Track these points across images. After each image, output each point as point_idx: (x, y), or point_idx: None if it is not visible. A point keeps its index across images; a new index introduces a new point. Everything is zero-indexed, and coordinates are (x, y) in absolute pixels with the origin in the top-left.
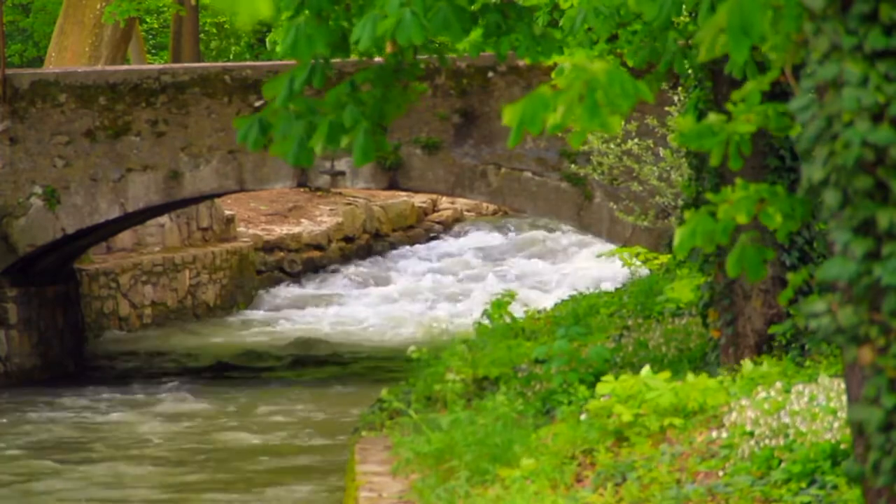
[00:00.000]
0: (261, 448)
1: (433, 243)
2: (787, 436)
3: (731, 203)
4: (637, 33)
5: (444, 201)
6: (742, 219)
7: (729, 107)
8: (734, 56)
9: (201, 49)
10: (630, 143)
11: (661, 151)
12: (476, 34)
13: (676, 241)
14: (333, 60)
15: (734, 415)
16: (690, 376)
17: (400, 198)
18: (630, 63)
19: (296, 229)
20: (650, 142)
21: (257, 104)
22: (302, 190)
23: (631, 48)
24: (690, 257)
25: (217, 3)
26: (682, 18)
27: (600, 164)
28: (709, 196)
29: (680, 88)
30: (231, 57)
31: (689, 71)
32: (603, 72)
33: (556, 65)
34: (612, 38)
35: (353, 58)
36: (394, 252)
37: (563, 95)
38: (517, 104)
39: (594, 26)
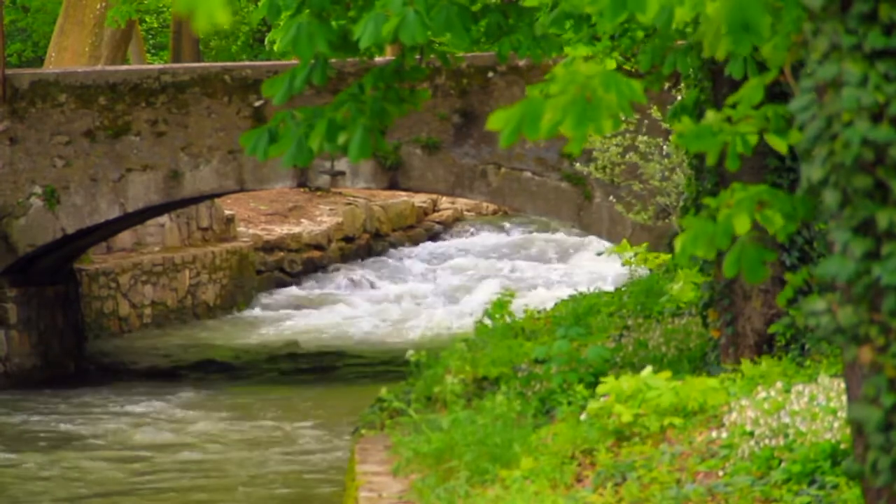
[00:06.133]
0: (260, 447)
1: (433, 243)
2: (787, 435)
3: (731, 206)
4: (635, 30)
5: (445, 201)
6: (742, 226)
7: (728, 110)
8: (737, 50)
9: (201, 49)
10: (628, 137)
11: (665, 148)
12: (473, 32)
13: (677, 248)
14: (334, 61)
15: (734, 415)
16: (690, 376)
17: (400, 197)
18: (641, 68)
19: (296, 229)
20: (659, 140)
21: (257, 104)
22: (302, 190)
23: (641, 48)
24: (691, 257)
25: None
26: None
27: (601, 162)
28: (707, 200)
29: (683, 86)
30: (232, 51)
31: (690, 71)
32: (597, 75)
33: (560, 58)
34: (615, 37)
35: (354, 58)
36: (394, 252)
37: (551, 103)
38: (512, 109)
39: (565, 28)
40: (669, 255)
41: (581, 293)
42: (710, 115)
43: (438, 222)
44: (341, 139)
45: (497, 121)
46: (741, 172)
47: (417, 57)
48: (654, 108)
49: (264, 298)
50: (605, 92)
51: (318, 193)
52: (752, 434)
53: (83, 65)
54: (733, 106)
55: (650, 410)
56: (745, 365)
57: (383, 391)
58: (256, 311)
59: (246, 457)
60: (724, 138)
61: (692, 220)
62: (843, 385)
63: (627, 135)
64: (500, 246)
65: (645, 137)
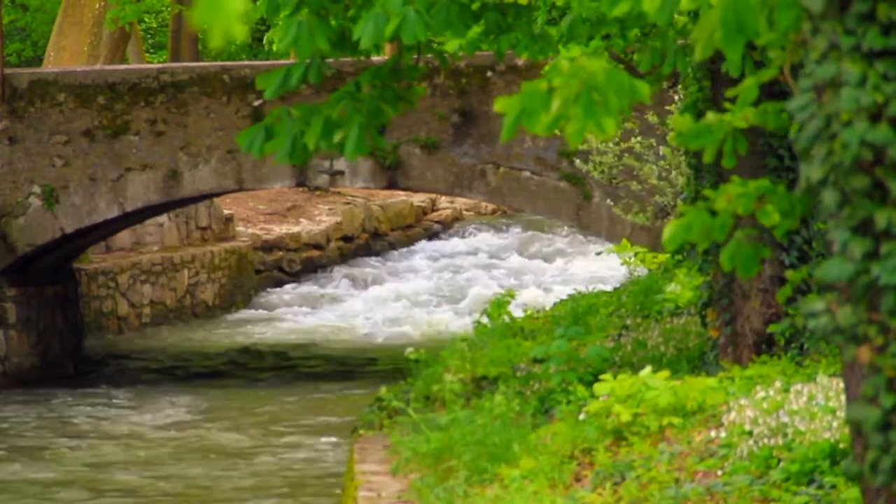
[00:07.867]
0: (259, 448)
1: (432, 243)
2: (785, 435)
3: (730, 199)
4: (631, 28)
5: (444, 200)
6: (741, 211)
7: (727, 105)
8: (728, 54)
9: (200, 48)
10: (632, 140)
11: (661, 150)
12: (472, 32)
13: (667, 233)
14: (331, 60)
15: (733, 414)
16: (689, 376)
17: (399, 197)
18: (641, 68)
19: (295, 229)
20: (652, 141)
21: (256, 103)
22: (301, 189)
23: (640, 49)
24: (689, 256)
25: (195, 18)
26: (681, 17)
27: (601, 163)
28: (706, 192)
29: (680, 86)
30: (231, 51)
31: (690, 71)
32: (601, 70)
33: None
34: (608, 36)
35: (353, 57)
36: (393, 251)
37: (559, 93)
38: (513, 98)
39: (581, 33)
40: (668, 255)
41: (580, 293)
42: (710, 116)
43: (437, 222)
44: (337, 137)
45: (505, 106)
46: (740, 171)
47: (414, 56)
48: (651, 113)
49: (263, 298)
50: (606, 88)
51: (317, 193)
52: (750, 433)
53: (82, 64)
54: (732, 100)
55: (649, 410)
56: (744, 364)
57: (382, 391)
58: (255, 311)
59: (244, 456)
60: (720, 135)
61: (689, 208)
62: (841, 384)
63: (626, 136)
64: (499, 245)
65: (638, 139)
